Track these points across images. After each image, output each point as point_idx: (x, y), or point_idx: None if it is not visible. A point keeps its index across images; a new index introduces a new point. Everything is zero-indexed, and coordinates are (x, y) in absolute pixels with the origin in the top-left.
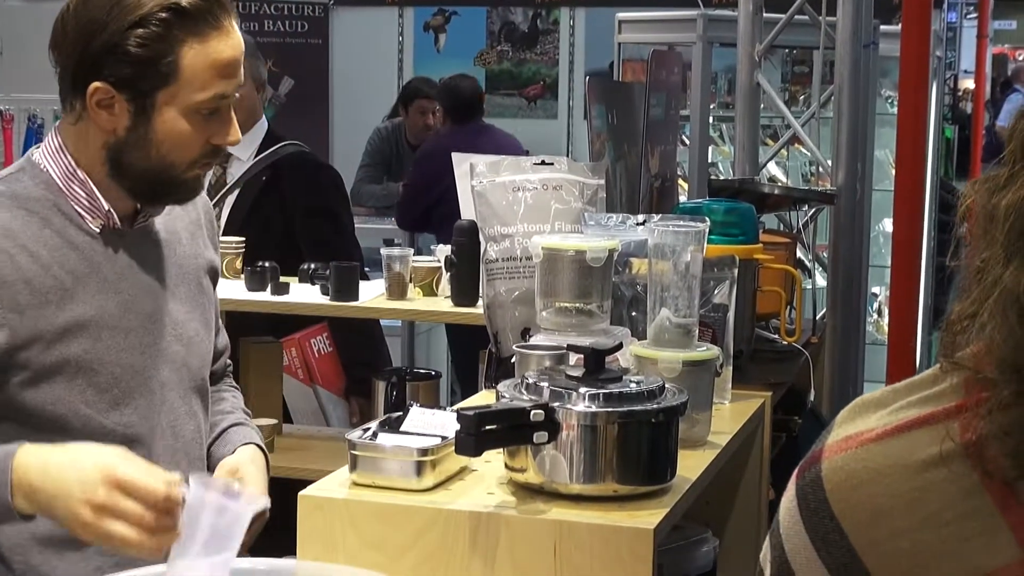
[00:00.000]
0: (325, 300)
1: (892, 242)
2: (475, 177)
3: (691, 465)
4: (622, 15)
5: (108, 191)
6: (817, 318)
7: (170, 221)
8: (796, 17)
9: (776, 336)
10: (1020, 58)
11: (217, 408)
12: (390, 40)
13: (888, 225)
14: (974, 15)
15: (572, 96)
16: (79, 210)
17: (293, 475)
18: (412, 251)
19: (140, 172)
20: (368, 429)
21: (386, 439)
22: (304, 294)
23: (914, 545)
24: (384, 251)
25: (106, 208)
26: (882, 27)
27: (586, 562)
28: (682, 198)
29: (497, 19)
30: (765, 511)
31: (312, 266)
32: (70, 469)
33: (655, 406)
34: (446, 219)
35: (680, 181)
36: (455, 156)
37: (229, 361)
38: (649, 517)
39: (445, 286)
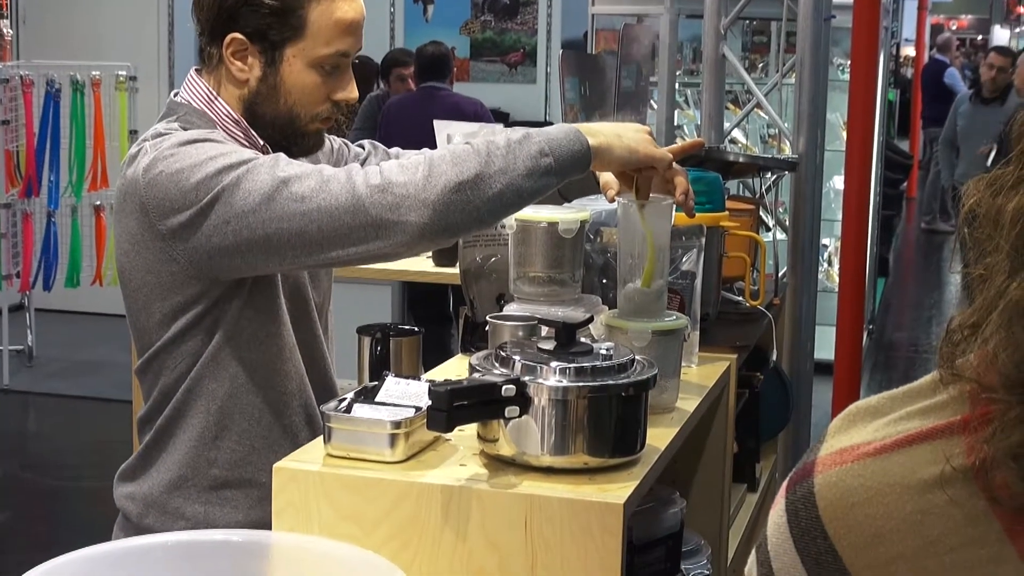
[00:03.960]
0: None
1: (843, 199)
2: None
3: (660, 433)
4: None
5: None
6: (779, 275)
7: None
8: None
9: (740, 298)
10: (954, 27)
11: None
12: (382, 11)
13: (838, 183)
14: None
15: (549, 62)
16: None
17: None
18: None
19: (270, 122)
20: (344, 400)
21: (361, 411)
22: None
23: (914, 571)
24: None
25: (261, 143)
26: None
27: (556, 535)
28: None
29: None
30: (730, 469)
31: None
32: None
33: (625, 380)
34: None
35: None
36: (436, 123)
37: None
38: (619, 491)
39: None
